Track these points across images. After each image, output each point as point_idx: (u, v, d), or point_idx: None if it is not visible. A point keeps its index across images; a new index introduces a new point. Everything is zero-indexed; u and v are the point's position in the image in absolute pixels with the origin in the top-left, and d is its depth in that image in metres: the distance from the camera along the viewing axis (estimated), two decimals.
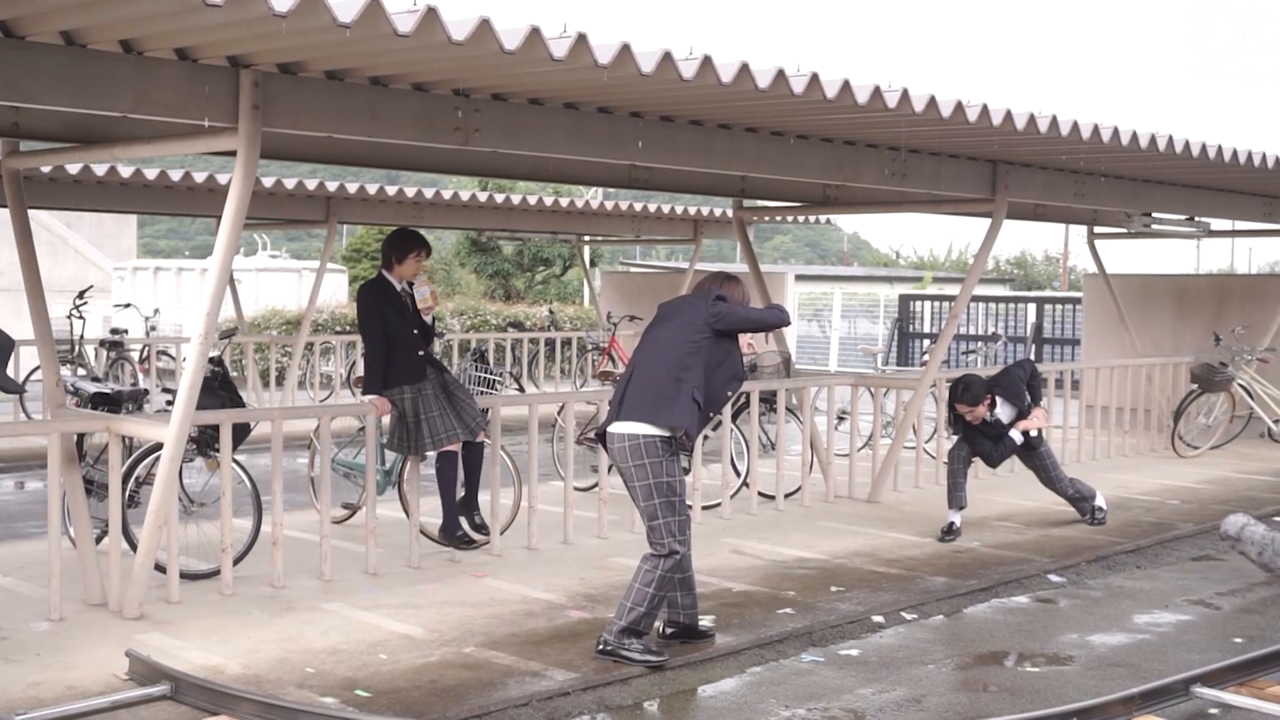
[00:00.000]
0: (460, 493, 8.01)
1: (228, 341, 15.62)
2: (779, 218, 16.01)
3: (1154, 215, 12.83)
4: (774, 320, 6.46)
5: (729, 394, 6.33)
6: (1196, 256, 45.91)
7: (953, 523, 9.05)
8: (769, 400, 10.24)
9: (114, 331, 17.01)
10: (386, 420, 7.88)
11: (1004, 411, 9.28)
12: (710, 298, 6.24)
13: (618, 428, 6.14)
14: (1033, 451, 9.47)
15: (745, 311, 6.31)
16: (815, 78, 6.73)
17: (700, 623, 6.47)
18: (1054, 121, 8.26)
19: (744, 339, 6.34)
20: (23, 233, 7.39)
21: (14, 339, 5.35)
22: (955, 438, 9.49)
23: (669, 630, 6.38)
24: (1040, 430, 9.46)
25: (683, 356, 6.09)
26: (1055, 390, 12.86)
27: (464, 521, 8.02)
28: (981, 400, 9.08)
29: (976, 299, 24.90)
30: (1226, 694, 5.60)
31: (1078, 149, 9.14)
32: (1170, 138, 9.25)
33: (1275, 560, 7.85)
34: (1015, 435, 9.29)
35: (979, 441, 9.30)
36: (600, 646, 6.06)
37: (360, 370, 13.82)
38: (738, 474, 10.00)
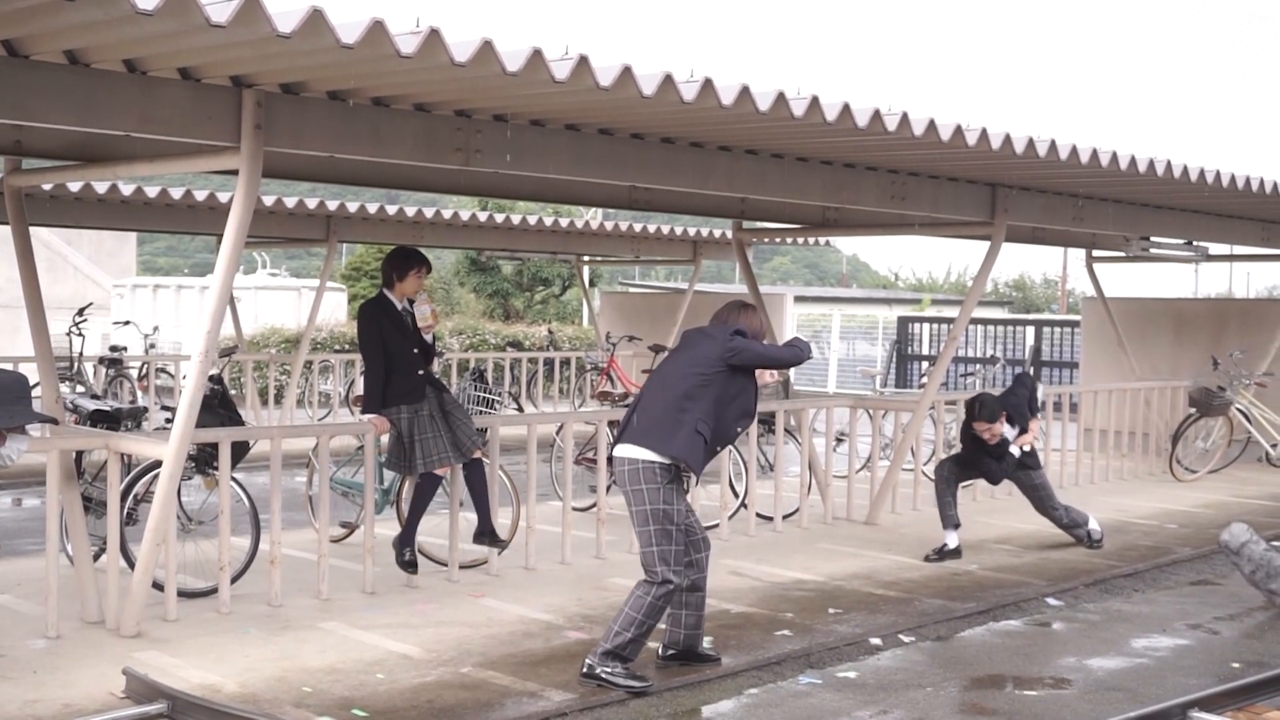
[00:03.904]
0: (468, 515, 8.01)
1: (227, 359, 15.63)
2: (778, 239, 16.05)
3: (1152, 239, 12.86)
4: (791, 359, 6.30)
5: (739, 430, 6.29)
6: (1195, 281, 45.99)
7: (945, 544, 9.07)
8: (767, 421, 10.25)
9: (113, 349, 17.02)
10: (385, 439, 7.88)
11: (1010, 430, 9.32)
12: (729, 331, 6.15)
13: (621, 450, 6.11)
14: (1028, 472, 9.48)
15: (763, 349, 6.22)
16: (815, 101, 6.76)
17: (702, 645, 6.44)
18: (1053, 145, 8.29)
19: (762, 373, 6.30)
20: (24, 250, 7.41)
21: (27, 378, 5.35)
22: (943, 458, 9.48)
23: (669, 652, 6.36)
24: (1035, 451, 9.48)
25: (691, 388, 6.03)
26: (1054, 413, 12.87)
27: (469, 545, 8.02)
28: (999, 417, 9.09)
29: (975, 321, 24.93)
30: (1223, 719, 5.60)
31: (1077, 173, 9.17)
32: (1169, 162, 9.28)
33: (1267, 582, 7.85)
34: (1015, 450, 9.32)
35: (983, 461, 9.34)
36: (584, 670, 6.03)
37: (359, 389, 13.84)
38: (736, 495, 9.99)
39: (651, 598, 5.98)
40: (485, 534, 7.94)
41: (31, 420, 4.78)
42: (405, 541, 7.82)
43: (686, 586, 6.20)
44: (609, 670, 5.96)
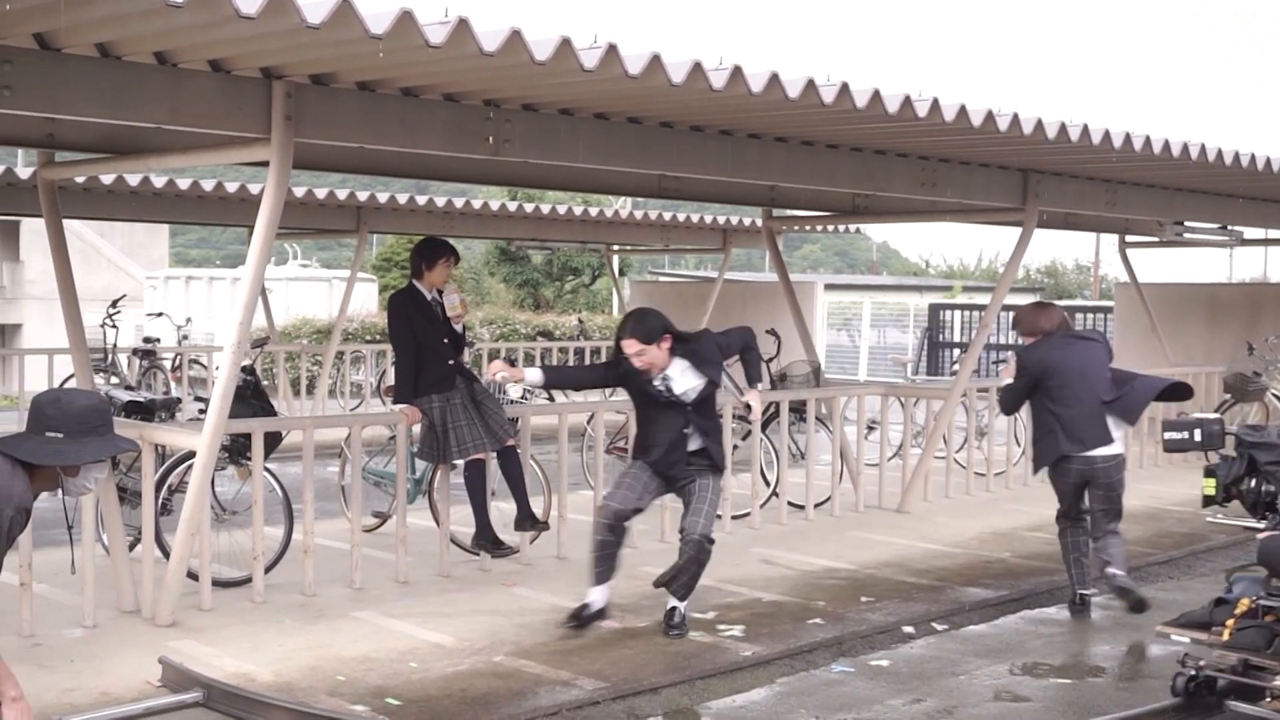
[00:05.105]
0: (497, 503, 8.02)
1: (259, 350, 15.70)
2: (808, 227, 15.96)
3: (1186, 224, 12.75)
4: None
5: None
6: (1229, 265, 45.51)
7: (586, 604, 6.73)
8: (799, 410, 10.23)
9: (146, 340, 17.13)
10: (417, 429, 7.90)
11: (685, 379, 6.65)
12: (1106, 342, 7.72)
13: (1102, 451, 7.24)
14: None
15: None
16: (845, 87, 6.73)
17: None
18: (1085, 130, 8.22)
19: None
20: (57, 242, 7.46)
21: (108, 401, 4.96)
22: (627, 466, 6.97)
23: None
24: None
25: (1108, 390, 7.34)
26: None
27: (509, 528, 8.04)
28: (658, 339, 6.55)
29: (1007, 308, 24.73)
30: (1261, 710, 5.54)
31: (1109, 158, 9.10)
32: (1203, 146, 9.20)
33: None
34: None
35: (651, 414, 6.78)
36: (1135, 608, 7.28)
37: (390, 379, 13.88)
38: (767, 484, 9.98)
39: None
40: (526, 518, 7.94)
41: (108, 454, 4.42)
42: (484, 534, 7.85)
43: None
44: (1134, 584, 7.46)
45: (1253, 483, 5.87)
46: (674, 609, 6.77)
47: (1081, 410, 7.27)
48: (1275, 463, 5.77)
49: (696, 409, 6.68)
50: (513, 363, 7.56)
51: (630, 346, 6.57)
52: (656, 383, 6.62)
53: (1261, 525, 5.79)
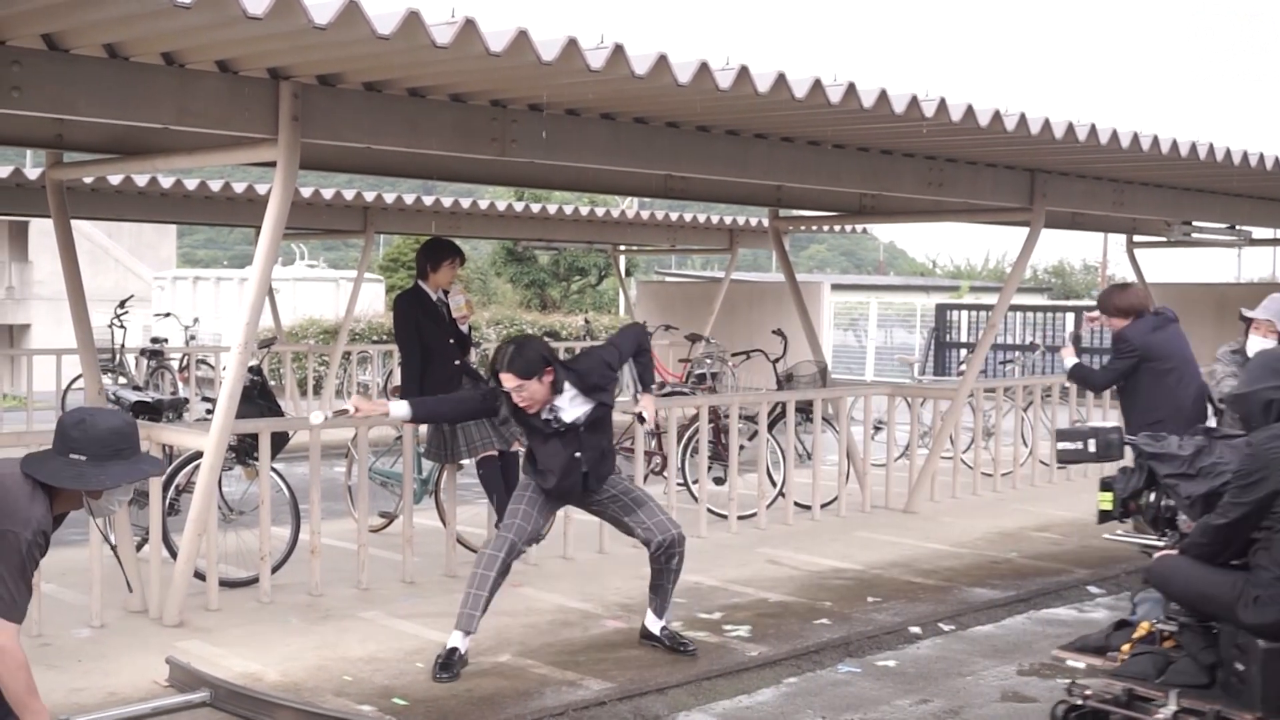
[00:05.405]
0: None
1: (266, 351, 15.73)
2: (815, 227, 15.98)
3: (1194, 223, 12.72)
4: None
5: None
6: (1238, 265, 45.44)
7: (453, 649, 6.04)
8: (805, 410, 10.22)
9: (154, 340, 17.15)
10: (424, 429, 7.90)
11: (574, 407, 6.13)
12: (1177, 318, 7.94)
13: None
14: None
15: None
16: (852, 87, 6.72)
17: None
18: (1093, 130, 8.21)
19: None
20: (65, 242, 7.48)
21: (134, 419, 4.84)
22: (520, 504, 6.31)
23: None
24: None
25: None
26: (1094, 400, 12.76)
27: None
28: (539, 372, 5.93)
29: (1014, 308, 24.73)
30: None
31: (1117, 157, 9.08)
32: (1210, 146, 9.18)
33: None
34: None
35: (541, 449, 6.21)
36: None
37: (397, 379, 13.90)
38: (774, 484, 9.97)
39: None
40: None
41: (131, 480, 4.31)
42: None
43: None
44: None
45: (1152, 496, 5.34)
46: (671, 631, 6.48)
47: (1191, 390, 7.52)
48: (1175, 475, 5.22)
49: (589, 430, 6.15)
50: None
51: (509, 381, 5.91)
52: (544, 415, 6.06)
53: (1161, 543, 5.35)
